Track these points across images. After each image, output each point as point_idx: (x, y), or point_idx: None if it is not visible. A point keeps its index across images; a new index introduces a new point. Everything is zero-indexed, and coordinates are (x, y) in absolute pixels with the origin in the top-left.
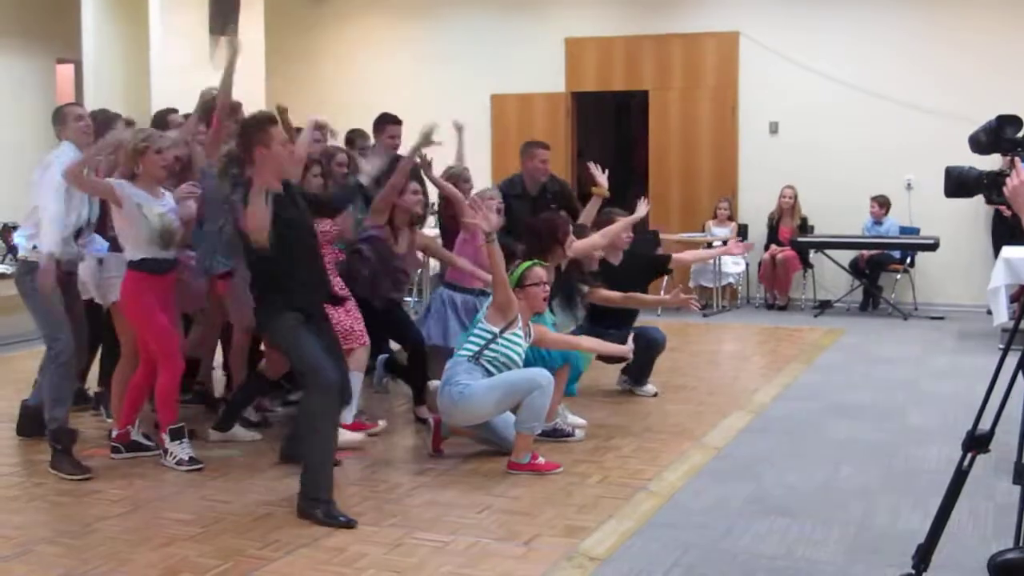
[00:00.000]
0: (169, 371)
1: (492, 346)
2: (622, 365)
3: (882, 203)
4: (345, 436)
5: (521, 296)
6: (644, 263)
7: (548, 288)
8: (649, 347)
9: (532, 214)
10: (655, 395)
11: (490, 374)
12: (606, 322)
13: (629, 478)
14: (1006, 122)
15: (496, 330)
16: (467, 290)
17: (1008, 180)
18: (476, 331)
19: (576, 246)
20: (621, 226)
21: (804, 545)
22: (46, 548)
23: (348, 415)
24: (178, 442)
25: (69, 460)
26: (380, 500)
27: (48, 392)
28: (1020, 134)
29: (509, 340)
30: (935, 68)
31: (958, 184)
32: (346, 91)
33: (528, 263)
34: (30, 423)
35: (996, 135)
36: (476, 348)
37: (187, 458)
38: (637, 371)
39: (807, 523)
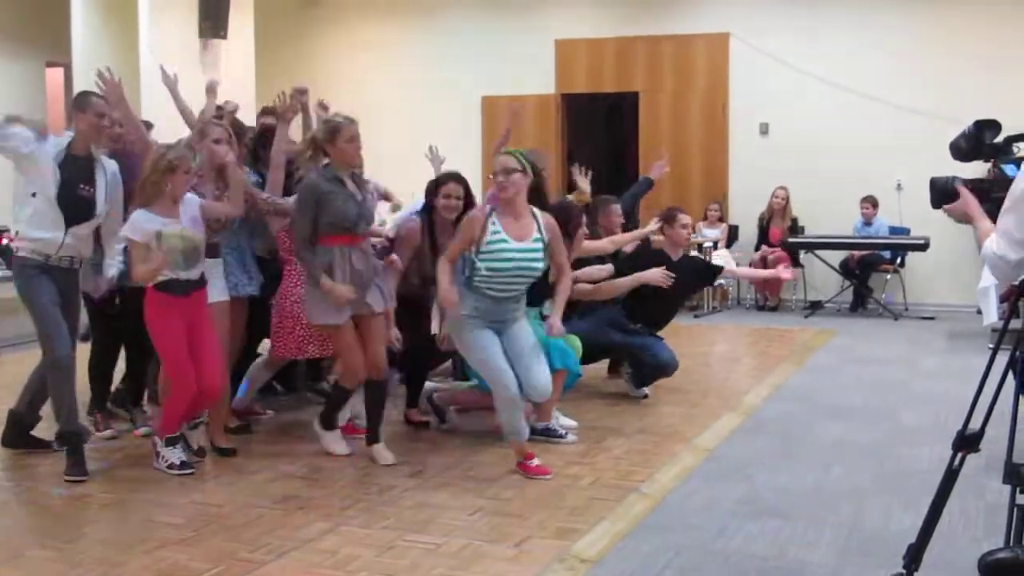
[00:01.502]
0: (179, 393)
1: (475, 269)
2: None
3: (872, 203)
4: (334, 445)
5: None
6: (700, 267)
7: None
8: (658, 367)
9: None
10: (645, 396)
11: (484, 295)
12: (639, 322)
13: (621, 480)
14: (985, 127)
15: (469, 254)
16: None
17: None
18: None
19: (585, 247)
20: (629, 237)
21: (796, 546)
22: (36, 552)
23: (342, 417)
24: (171, 447)
25: (74, 461)
26: (372, 502)
27: (52, 400)
28: (1000, 138)
29: (487, 252)
30: (924, 69)
31: (942, 194)
32: (337, 93)
33: None
34: (15, 434)
35: (976, 141)
36: (465, 276)
37: (179, 462)
38: (648, 375)
39: (799, 524)
